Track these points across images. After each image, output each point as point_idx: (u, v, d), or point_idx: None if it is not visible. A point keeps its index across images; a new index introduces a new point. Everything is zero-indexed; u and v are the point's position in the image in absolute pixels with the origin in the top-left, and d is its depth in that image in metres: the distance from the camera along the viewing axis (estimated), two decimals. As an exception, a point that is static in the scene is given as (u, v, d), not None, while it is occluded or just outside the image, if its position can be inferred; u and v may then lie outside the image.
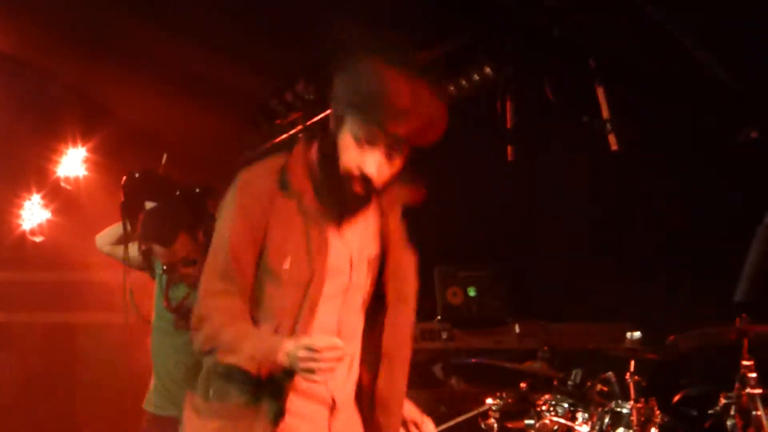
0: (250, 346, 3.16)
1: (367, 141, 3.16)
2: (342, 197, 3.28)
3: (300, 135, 3.39)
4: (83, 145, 8.29)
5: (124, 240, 5.20)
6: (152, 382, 5.32)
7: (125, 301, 5.14)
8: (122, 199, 5.13)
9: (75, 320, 9.07)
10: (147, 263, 5.22)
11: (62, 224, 8.56)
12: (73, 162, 8.35)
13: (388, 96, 3.08)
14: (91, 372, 9.06)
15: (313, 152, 3.32)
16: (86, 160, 8.35)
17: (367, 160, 3.18)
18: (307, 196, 3.27)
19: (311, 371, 3.03)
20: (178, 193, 5.07)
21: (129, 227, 5.14)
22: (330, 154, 3.24)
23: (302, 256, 3.24)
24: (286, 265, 3.23)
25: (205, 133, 7.75)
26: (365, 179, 3.21)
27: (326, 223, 3.30)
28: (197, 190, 5.11)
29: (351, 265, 3.37)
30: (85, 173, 8.40)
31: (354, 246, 3.38)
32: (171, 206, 5.00)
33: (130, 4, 6.86)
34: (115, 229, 5.33)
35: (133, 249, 5.20)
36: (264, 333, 3.24)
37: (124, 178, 5.11)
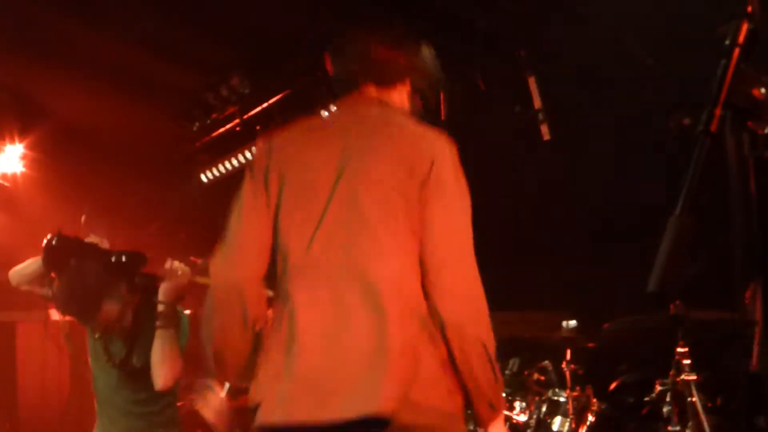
0: None
1: None
2: None
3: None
4: (21, 142, 8.22)
5: (47, 286, 5.04)
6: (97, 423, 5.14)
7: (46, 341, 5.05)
8: (44, 256, 5.00)
9: (15, 319, 9.01)
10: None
11: (1, 221, 8.48)
12: (10, 159, 8.28)
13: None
14: (32, 371, 9.01)
15: None
16: (24, 157, 8.29)
17: None
18: None
19: None
20: (97, 263, 4.90)
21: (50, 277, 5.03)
22: None
23: None
24: None
25: (141, 128, 7.69)
26: None
27: None
28: (123, 259, 4.98)
29: None
30: (23, 170, 8.34)
31: None
32: (86, 283, 4.73)
33: (63, 1, 6.79)
34: (30, 268, 5.08)
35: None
36: None
37: (45, 240, 4.98)
